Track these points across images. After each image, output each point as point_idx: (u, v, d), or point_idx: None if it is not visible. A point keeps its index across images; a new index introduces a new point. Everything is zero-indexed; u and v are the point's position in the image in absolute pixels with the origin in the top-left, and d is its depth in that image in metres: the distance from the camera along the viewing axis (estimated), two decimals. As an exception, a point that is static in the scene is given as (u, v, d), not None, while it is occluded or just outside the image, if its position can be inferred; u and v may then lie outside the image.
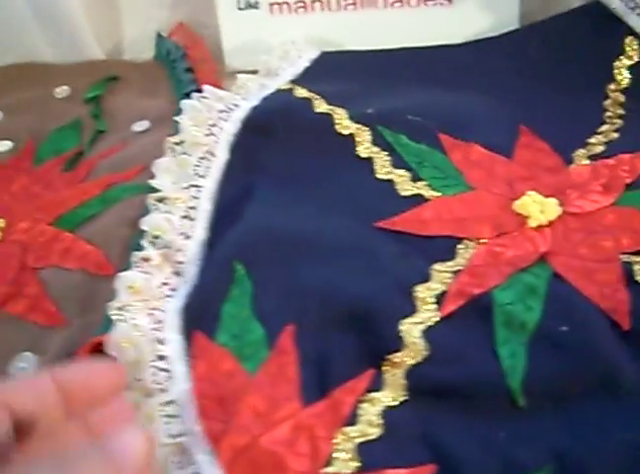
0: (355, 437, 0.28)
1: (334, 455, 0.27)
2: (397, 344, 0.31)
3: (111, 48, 0.52)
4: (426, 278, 0.34)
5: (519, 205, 0.37)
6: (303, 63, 0.48)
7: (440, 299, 0.33)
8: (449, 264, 0.35)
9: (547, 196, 0.38)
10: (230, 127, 0.42)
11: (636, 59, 0.46)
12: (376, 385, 0.30)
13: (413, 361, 0.30)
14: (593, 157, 0.41)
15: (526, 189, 0.38)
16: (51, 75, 0.50)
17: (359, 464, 0.27)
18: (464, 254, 0.36)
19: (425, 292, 0.33)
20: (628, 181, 0.38)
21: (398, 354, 0.31)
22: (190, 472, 0.27)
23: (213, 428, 0.28)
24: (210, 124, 0.42)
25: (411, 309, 0.32)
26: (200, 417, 0.28)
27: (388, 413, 0.29)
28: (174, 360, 0.30)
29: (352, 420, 0.29)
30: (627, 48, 0.47)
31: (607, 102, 0.45)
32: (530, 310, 0.32)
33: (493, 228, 0.37)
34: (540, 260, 0.35)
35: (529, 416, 0.29)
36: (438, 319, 0.32)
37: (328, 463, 0.27)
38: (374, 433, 0.28)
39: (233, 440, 0.27)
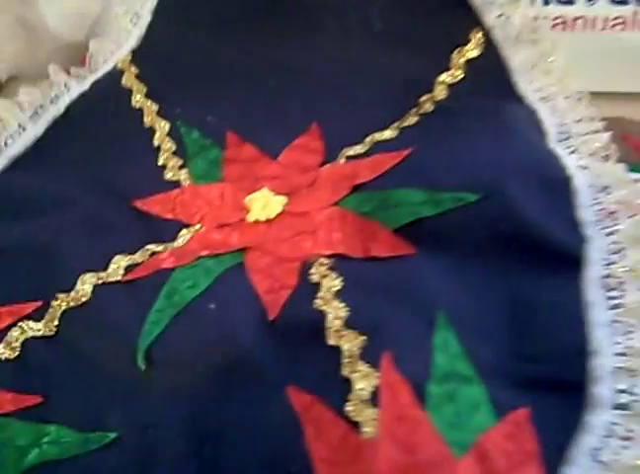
0: None
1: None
2: (68, 285, 0.35)
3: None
4: (133, 252, 0.37)
5: (248, 200, 0.40)
6: (146, 18, 0.51)
7: (132, 269, 0.36)
8: (166, 245, 0.38)
9: (280, 193, 0.40)
10: (54, 110, 0.47)
11: (475, 55, 0.45)
12: (38, 315, 0.34)
13: (72, 305, 0.34)
14: (350, 157, 0.41)
15: (265, 186, 0.40)
16: None
17: None
18: (184, 237, 0.39)
19: (121, 261, 0.37)
20: (358, 181, 0.39)
21: (63, 295, 0.34)
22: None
23: None
24: (39, 106, 0.47)
25: (100, 268, 0.36)
26: None
27: (29, 341, 0.33)
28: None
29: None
30: (471, 41, 0.45)
31: (425, 97, 0.44)
32: (194, 288, 0.34)
33: (215, 218, 0.39)
34: (238, 251, 0.37)
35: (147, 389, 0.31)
36: (114, 280, 0.35)
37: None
38: (5, 354, 0.33)
39: None
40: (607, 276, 0.31)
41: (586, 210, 0.34)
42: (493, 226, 0.34)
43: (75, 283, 0.35)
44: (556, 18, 0.47)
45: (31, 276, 0.36)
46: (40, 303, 0.34)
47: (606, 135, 0.40)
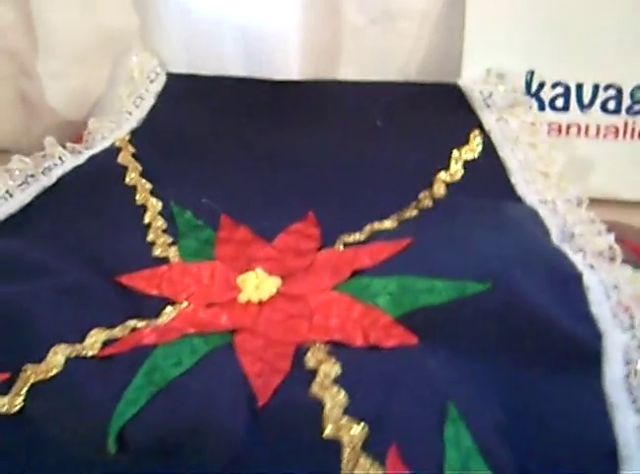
0: None
1: None
2: (39, 356, 0.31)
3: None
4: (112, 326, 0.34)
5: (240, 279, 0.37)
6: (149, 100, 0.51)
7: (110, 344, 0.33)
8: (148, 321, 0.35)
9: (274, 274, 0.38)
10: (45, 180, 0.46)
11: (475, 156, 0.46)
12: (4, 389, 0.30)
13: (41, 377, 0.30)
14: (349, 244, 0.40)
15: (259, 266, 0.38)
16: None
17: None
18: (169, 315, 0.36)
19: (99, 335, 0.33)
20: (356, 267, 0.37)
21: (32, 365, 0.31)
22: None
23: None
24: (29, 175, 0.46)
25: (76, 340, 0.33)
26: None
27: None
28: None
29: None
30: (471, 142, 0.46)
31: (424, 194, 0.44)
32: (178, 366, 0.31)
33: (204, 297, 0.37)
34: (227, 332, 0.34)
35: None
36: (90, 354, 0.32)
37: None
38: None
39: None
40: (629, 376, 0.29)
41: (599, 306, 0.33)
42: (501, 319, 0.32)
43: (46, 354, 0.31)
44: (551, 123, 0.48)
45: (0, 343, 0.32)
46: (7, 375, 0.31)
47: (611, 236, 0.39)
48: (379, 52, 0.50)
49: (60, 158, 0.47)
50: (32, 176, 0.46)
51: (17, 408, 0.30)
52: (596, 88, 0.48)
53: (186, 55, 0.52)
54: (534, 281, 0.34)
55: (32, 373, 0.31)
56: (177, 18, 0.51)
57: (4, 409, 0.30)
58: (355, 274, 0.37)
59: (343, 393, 0.29)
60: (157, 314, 0.36)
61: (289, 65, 0.49)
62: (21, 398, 0.30)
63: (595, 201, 0.44)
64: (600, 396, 0.28)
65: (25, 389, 0.30)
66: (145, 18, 0.52)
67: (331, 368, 0.30)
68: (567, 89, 0.48)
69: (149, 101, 0.52)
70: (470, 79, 0.48)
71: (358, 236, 0.41)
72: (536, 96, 0.48)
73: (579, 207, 0.43)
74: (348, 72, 0.51)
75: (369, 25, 0.49)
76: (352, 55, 0.50)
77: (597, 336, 0.31)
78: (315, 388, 0.29)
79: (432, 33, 0.49)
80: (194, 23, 0.50)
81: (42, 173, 0.46)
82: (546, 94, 0.48)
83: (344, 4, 0.49)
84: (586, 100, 0.48)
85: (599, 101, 0.48)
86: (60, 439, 0.29)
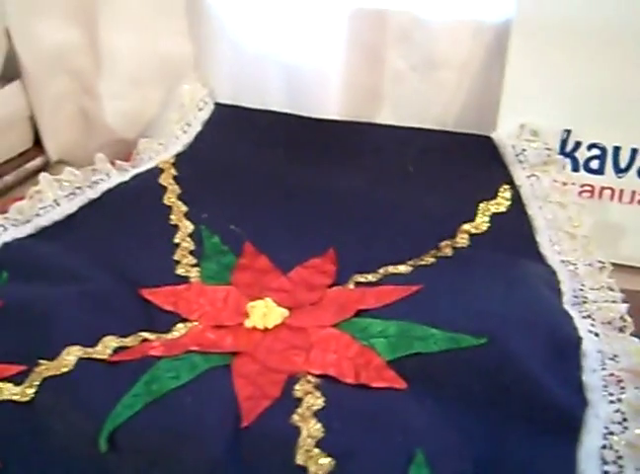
0: None
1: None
2: (51, 354, 0.34)
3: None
4: (125, 335, 0.37)
5: (250, 306, 0.39)
6: (196, 127, 0.55)
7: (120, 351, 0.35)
8: (159, 335, 0.38)
9: (283, 306, 0.39)
10: (91, 193, 0.49)
11: (502, 210, 0.46)
12: (19, 379, 0.33)
13: (53, 373, 0.33)
14: (360, 283, 0.41)
15: (270, 296, 0.40)
16: None
17: None
18: (179, 330, 0.38)
19: (111, 342, 0.36)
20: (360, 307, 0.38)
21: (46, 362, 0.33)
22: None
23: None
24: (77, 187, 0.49)
25: (89, 343, 0.35)
26: None
27: (3, 404, 0.32)
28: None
29: None
30: (499, 196, 0.47)
31: (446, 243, 0.44)
32: (176, 379, 0.33)
33: (214, 318, 0.39)
34: (228, 353, 0.36)
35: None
36: (102, 358, 0.34)
37: None
38: None
39: None
40: (605, 448, 0.28)
41: (592, 374, 0.32)
42: (490, 375, 0.33)
43: (60, 353, 0.34)
44: (585, 185, 0.48)
45: (21, 338, 0.35)
46: (23, 367, 0.33)
47: (624, 306, 0.39)
48: (418, 99, 0.51)
49: (107, 174, 0.51)
50: (79, 188, 0.49)
51: (28, 398, 0.32)
52: (634, 152, 0.47)
53: (233, 87, 0.55)
54: (530, 342, 0.34)
55: (46, 369, 0.33)
56: (228, 52, 0.54)
57: (16, 397, 0.32)
58: (359, 313, 0.38)
59: (319, 426, 0.30)
60: (168, 329, 0.38)
61: (329, 105, 0.51)
62: (33, 389, 0.33)
63: (624, 268, 0.44)
64: (572, 465, 0.28)
65: (37, 382, 0.33)
66: (199, 50, 0.55)
67: (315, 401, 0.32)
68: (604, 151, 0.48)
69: (196, 127, 0.55)
70: (504, 133, 0.48)
71: (370, 277, 0.42)
72: (571, 156, 0.48)
73: (600, 273, 0.43)
74: (385, 116, 0.52)
75: (410, 72, 0.51)
76: (391, 100, 0.52)
77: (581, 404, 0.31)
78: (296, 417, 0.31)
79: (470, 84, 0.50)
80: (243, 58, 0.53)
81: (89, 186, 0.50)
82: (582, 155, 0.48)
83: (387, 50, 0.50)
84: (622, 164, 0.48)
85: (636, 166, 0.47)
86: (60, 431, 0.31)
